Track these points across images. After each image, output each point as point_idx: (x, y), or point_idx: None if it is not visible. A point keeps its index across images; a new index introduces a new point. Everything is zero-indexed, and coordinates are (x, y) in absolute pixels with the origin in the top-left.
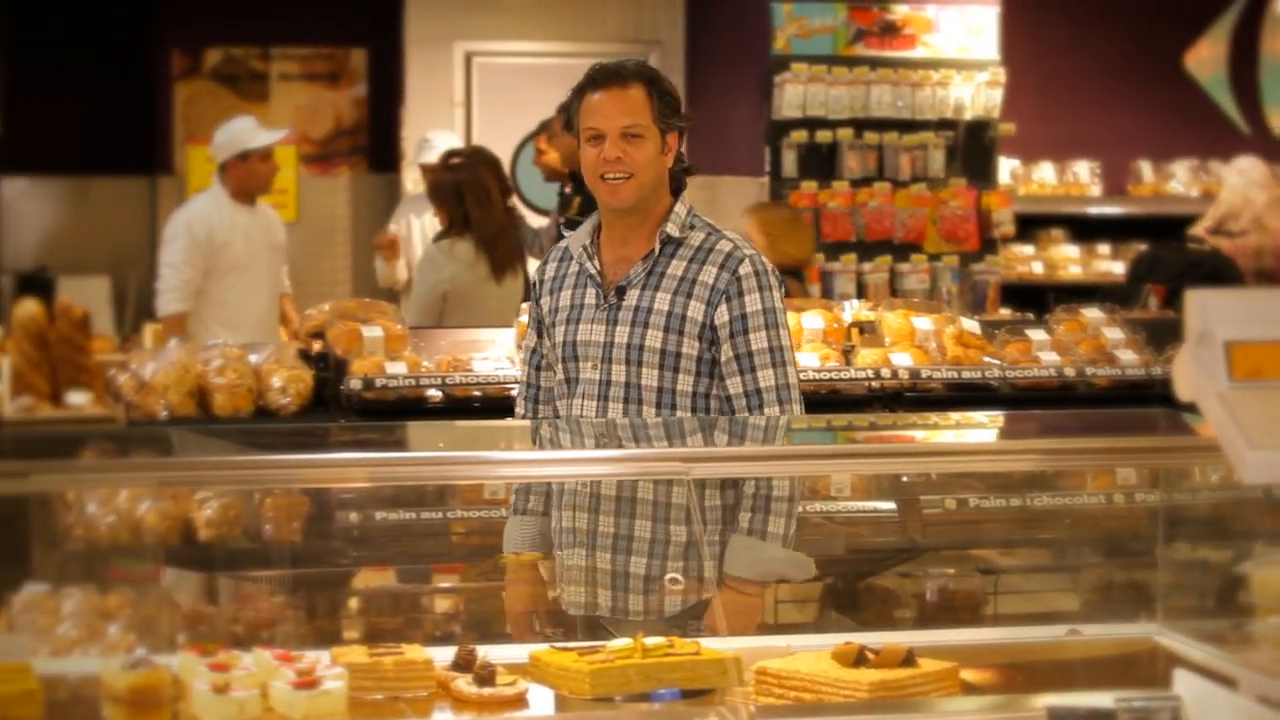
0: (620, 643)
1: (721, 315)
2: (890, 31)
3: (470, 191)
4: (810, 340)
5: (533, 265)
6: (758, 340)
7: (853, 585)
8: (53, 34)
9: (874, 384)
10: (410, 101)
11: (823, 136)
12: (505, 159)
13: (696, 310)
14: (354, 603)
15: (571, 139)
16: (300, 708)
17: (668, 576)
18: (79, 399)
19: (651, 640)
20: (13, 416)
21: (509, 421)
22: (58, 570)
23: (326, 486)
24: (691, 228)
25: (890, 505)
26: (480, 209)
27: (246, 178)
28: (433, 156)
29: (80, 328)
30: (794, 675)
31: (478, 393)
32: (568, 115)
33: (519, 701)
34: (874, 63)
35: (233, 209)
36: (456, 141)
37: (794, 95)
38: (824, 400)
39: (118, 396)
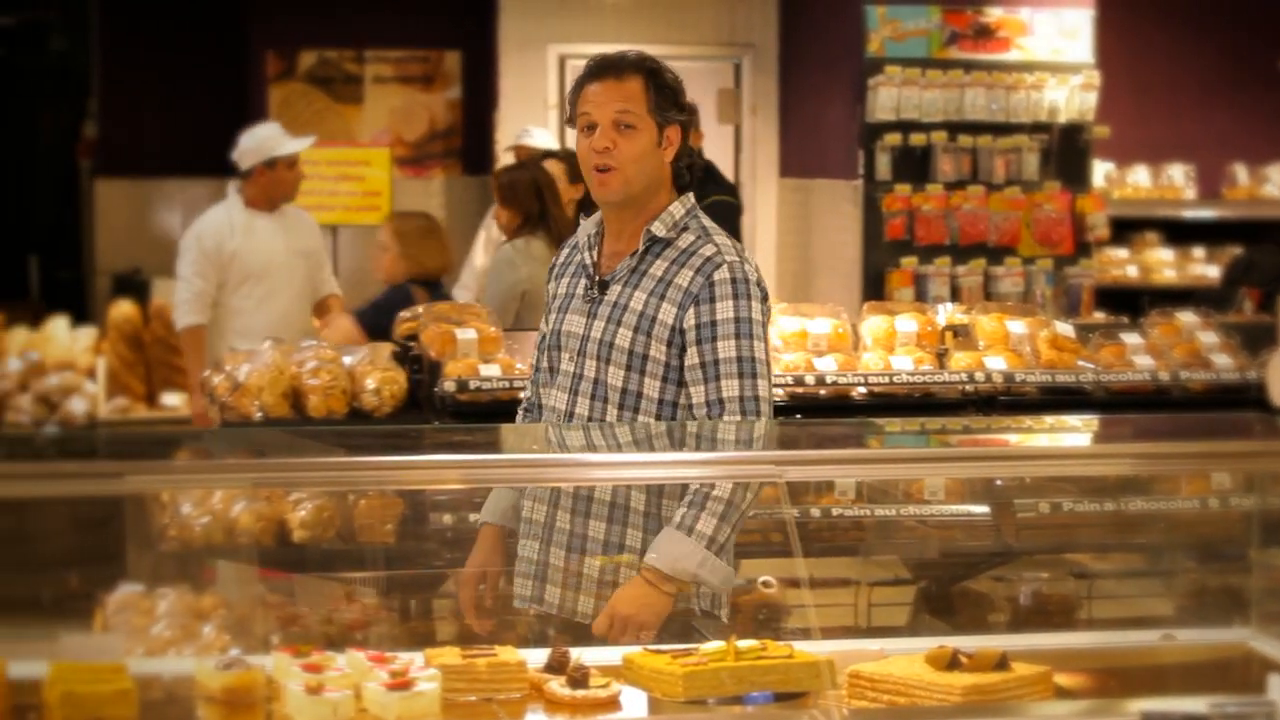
0: (713, 645)
1: (689, 319)
2: (984, 34)
3: (547, 189)
4: (904, 344)
5: None
6: (725, 349)
7: (946, 589)
8: (147, 37)
9: (967, 388)
10: (504, 104)
11: (917, 139)
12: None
13: (667, 313)
14: (447, 604)
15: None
16: (394, 709)
17: (761, 579)
18: (174, 400)
19: (744, 643)
20: (108, 417)
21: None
22: (152, 571)
23: (420, 488)
24: (685, 229)
25: (984, 509)
26: (556, 206)
27: (272, 185)
28: (530, 142)
29: (175, 329)
30: (887, 679)
31: None
32: (569, 111)
33: (612, 704)
34: (968, 65)
35: (249, 217)
36: (551, 141)
37: (888, 98)
38: (917, 404)
39: (212, 398)
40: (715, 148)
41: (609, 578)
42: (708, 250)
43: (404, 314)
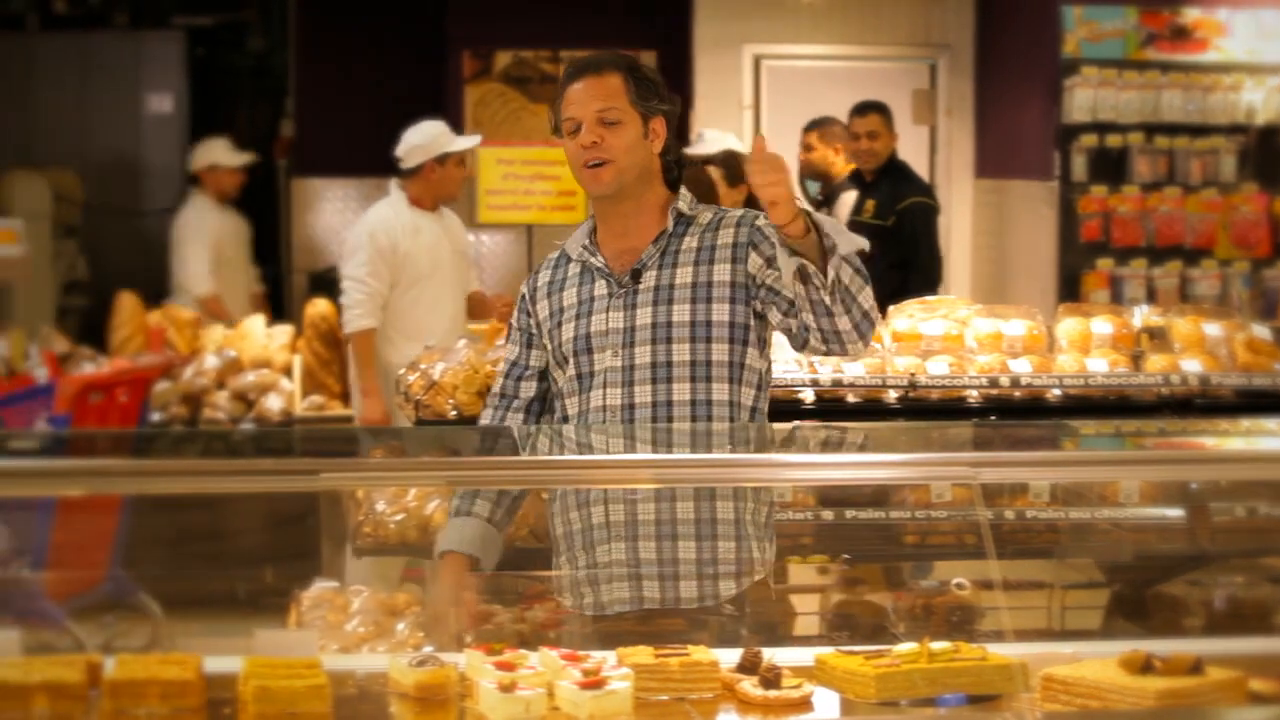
0: (907, 647)
1: (755, 262)
2: (1181, 35)
3: (692, 186)
4: (1099, 345)
5: None
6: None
7: (1140, 592)
8: (344, 37)
9: (1163, 390)
10: (699, 104)
11: (1113, 141)
12: (792, 163)
13: (722, 272)
14: None
15: (832, 145)
16: (586, 707)
17: (955, 581)
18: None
19: (938, 645)
20: (304, 414)
21: (792, 424)
22: (347, 567)
23: (613, 487)
24: (696, 208)
25: (1179, 512)
26: (715, 199)
27: (441, 183)
28: (702, 149)
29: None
30: (1080, 682)
31: None
32: (554, 120)
33: (804, 704)
34: (1165, 66)
35: (414, 215)
36: (733, 140)
37: (1084, 99)
38: (1113, 406)
39: (407, 396)
40: (910, 149)
41: (706, 556)
42: (735, 213)
43: None
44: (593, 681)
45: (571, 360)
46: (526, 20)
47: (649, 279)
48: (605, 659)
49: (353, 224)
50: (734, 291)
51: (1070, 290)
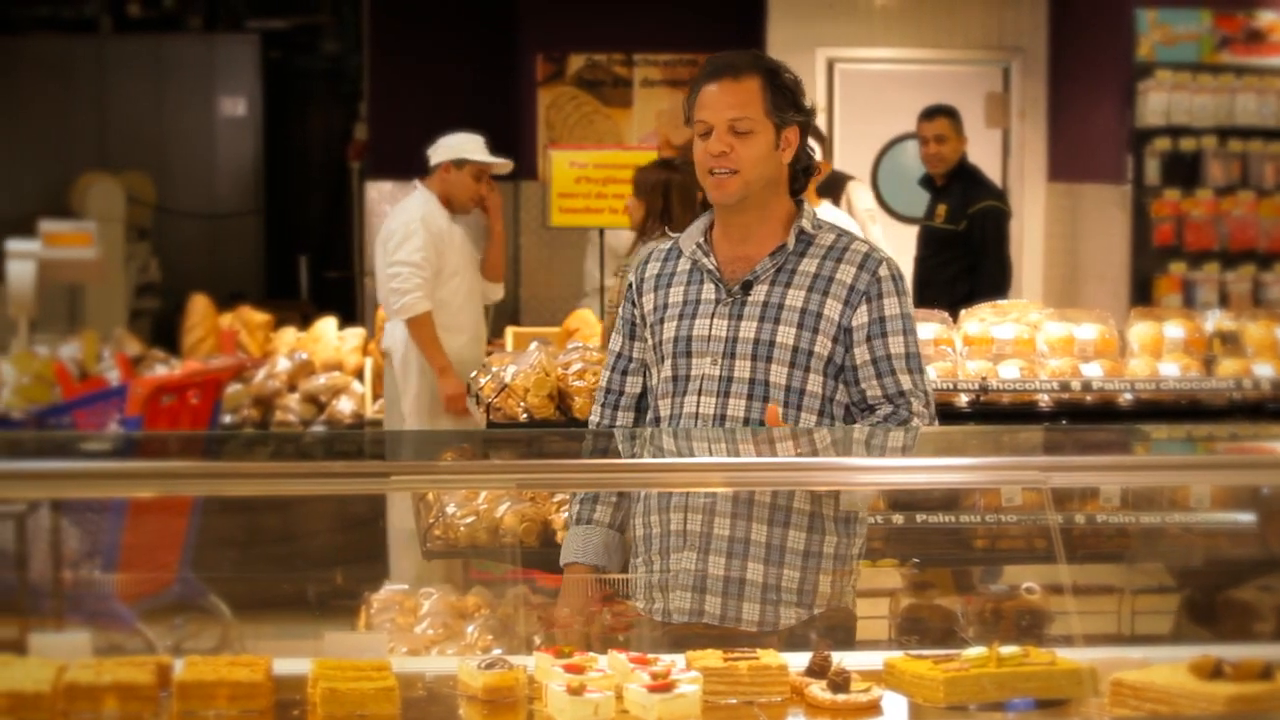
0: (976, 651)
1: (860, 317)
2: (1256, 38)
3: (676, 190)
4: (1171, 350)
5: None
6: (896, 344)
7: (1210, 597)
8: (417, 40)
9: (1235, 395)
10: None
11: (1186, 144)
12: (867, 164)
13: (833, 309)
14: None
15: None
16: (654, 711)
17: (1024, 585)
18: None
19: (1007, 649)
20: (374, 416)
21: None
22: (416, 570)
23: (687, 491)
24: (819, 227)
25: (1250, 517)
26: (682, 208)
27: (452, 185)
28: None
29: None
30: (1149, 687)
31: None
32: (687, 113)
33: (873, 708)
34: (1239, 70)
35: (444, 213)
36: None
37: (1158, 102)
38: (1184, 410)
39: (478, 399)
40: (983, 152)
41: (772, 582)
42: (861, 247)
43: None
44: (661, 685)
45: (669, 360)
46: (600, 23)
47: (759, 293)
48: (674, 662)
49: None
50: (839, 331)
51: (1142, 294)
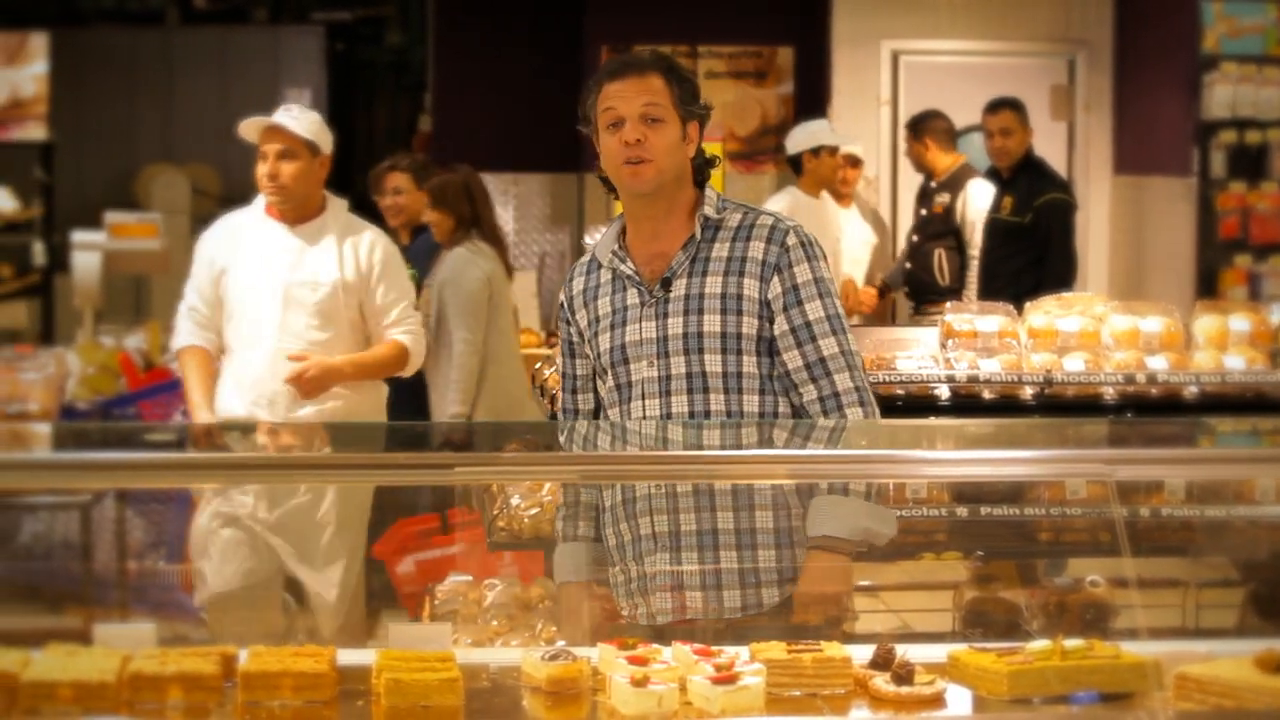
0: (1040, 644)
1: (774, 288)
2: None
3: (478, 191)
4: (1236, 343)
5: None
6: (814, 310)
7: (1276, 591)
8: (481, 31)
9: None
10: (836, 100)
11: (1252, 137)
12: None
13: (751, 287)
14: None
15: (921, 142)
16: (718, 702)
17: (1089, 578)
18: None
19: (1071, 642)
20: None
21: (932, 420)
22: (481, 561)
23: (744, 482)
24: (724, 209)
25: None
26: (486, 208)
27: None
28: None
29: None
30: (1215, 681)
31: (901, 391)
32: (583, 111)
33: (936, 701)
34: None
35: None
36: (811, 131)
37: (1223, 95)
38: (1249, 403)
39: (543, 390)
40: (1048, 145)
41: (749, 565)
42: (766, 220)
43: None
44: (725, 677)
45: (610, 371)
46: (664, 15)
47: (679, 287)
48: (738, 654)
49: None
50: (761, 308)
51: (1208, 287)
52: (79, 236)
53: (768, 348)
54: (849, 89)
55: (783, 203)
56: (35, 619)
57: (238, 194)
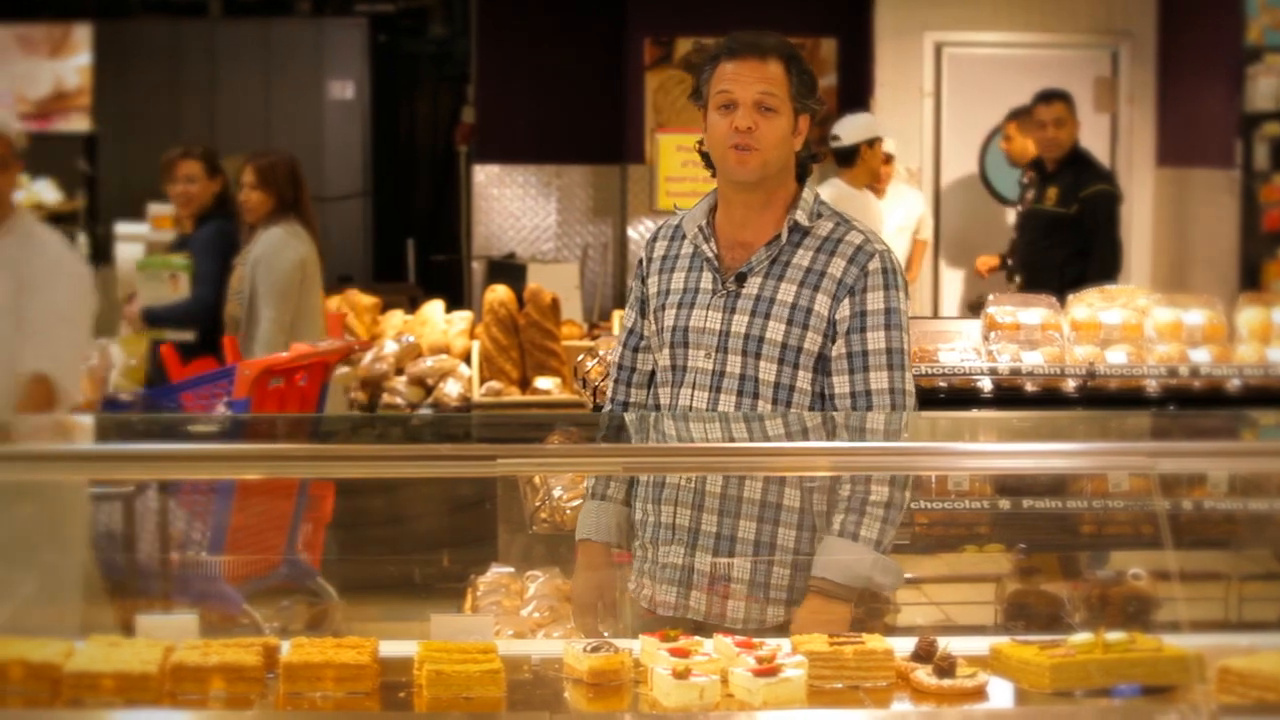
0: (1082, 637)
1: (844, 310)
2: None
3: (301, 176)
4: (1279, 336)
5: None
6: (874, 340)
7: None
8: (525, 23)
9: None
10: (879, 92)
11: None
12: (974, 149)
13: (821, 304)
14: None
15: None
16: (760, 695)
17: (1131, 572)
18: (547, 384)
19: (1113, 635)
20: (481, 400)
21: (975, 413)
22: (523, 553)
23: (781, 474)
24: (819, 216)
25: None
26: (305, 193)
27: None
28: (850, 137)
29: (549, 314)
30: (1257, 674)
31: (943, 384)
32: (697, 86)
33: (978, 693)
34: None
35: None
36: (867, 122)
37: (1267, 87)
38: None
39: (585, 382)
40: (1091, 136)
41: (760, 579)
42: (855, 238)
43: None
44: (767, 669)
45: (668, 350)
46: (708, 6)
47: (753, 285)
48: (779, 646)
49: (534, 210)
50: (828, 326)
51: (1251, 279)
52: (122, 228)
53: (825, 367)
54: (892, 81)
55: (826, 194)
56: (78, 610)
57: None
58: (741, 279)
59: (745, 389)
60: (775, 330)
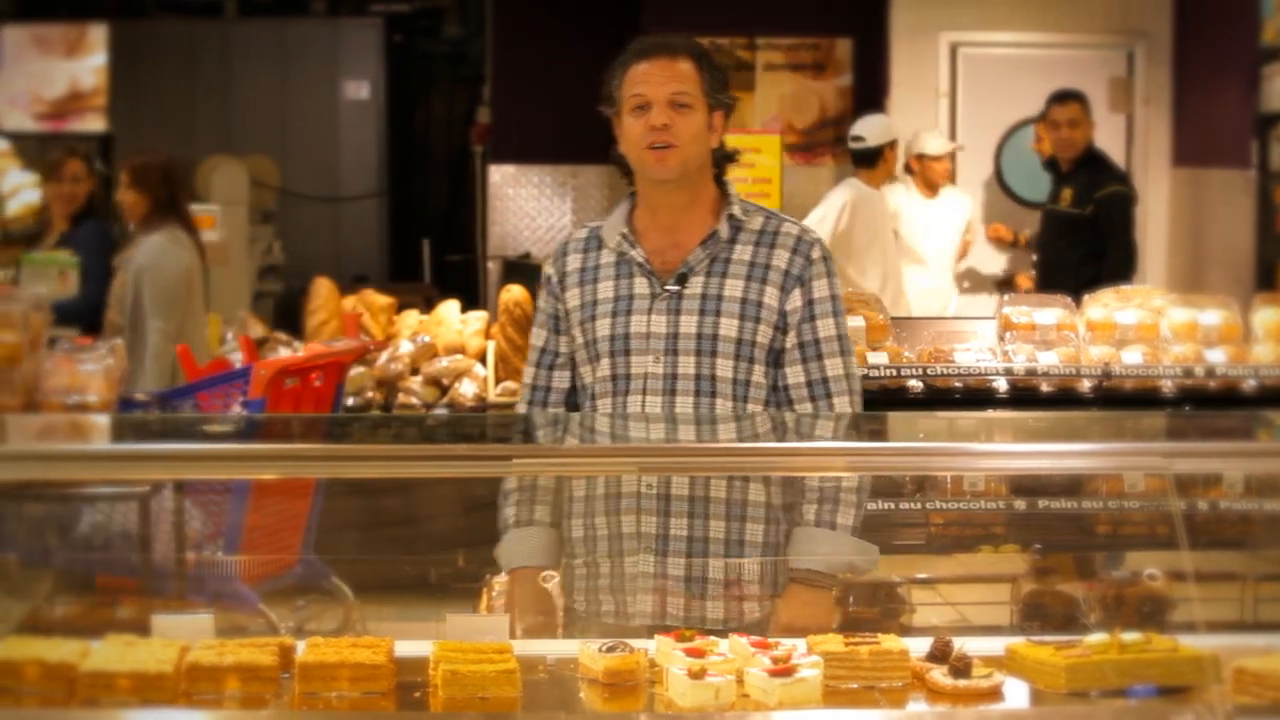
0: (1097, 638)
1: (794, 300)
2: None
3: (177, 176)
4: None
5: None
6: (825, 327)
7: None
8: (540, 23)
9: None
10: (895, 92)
11: None
12: (989, 149)
13: (771, 296)
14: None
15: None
16: (775, 695)
17: (1146, 572)
18: None
19: (1129, 636)
20: (497, 400)
21: (990, 413)
22: None
23: (800, 475)
24: (747, 211)
25: None
26: (183, 194)
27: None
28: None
29: None
30: (1273, 674)
31: (959, 384)
32: (608, 91)
33: (994, 694)
34: None
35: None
36: (887, 124)
37: None
38: None
39: None
40: (1106, 137)
41: (734, 577)
42: (793, 229)
43: None
44: (782, 669)
45: (607, 359)
46: (722, 7)
47: (696, 285)
48: (795, 647)
49: (549, 210)
50: (779, 319)
51: (1267, 280)
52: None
53: (776, 359)
54: (907, 81)
55: (845, 195)
56: (94, 609)
57: (296, 185)
58: (683, 279)
59: (702, 388)
60: (729, 327)
